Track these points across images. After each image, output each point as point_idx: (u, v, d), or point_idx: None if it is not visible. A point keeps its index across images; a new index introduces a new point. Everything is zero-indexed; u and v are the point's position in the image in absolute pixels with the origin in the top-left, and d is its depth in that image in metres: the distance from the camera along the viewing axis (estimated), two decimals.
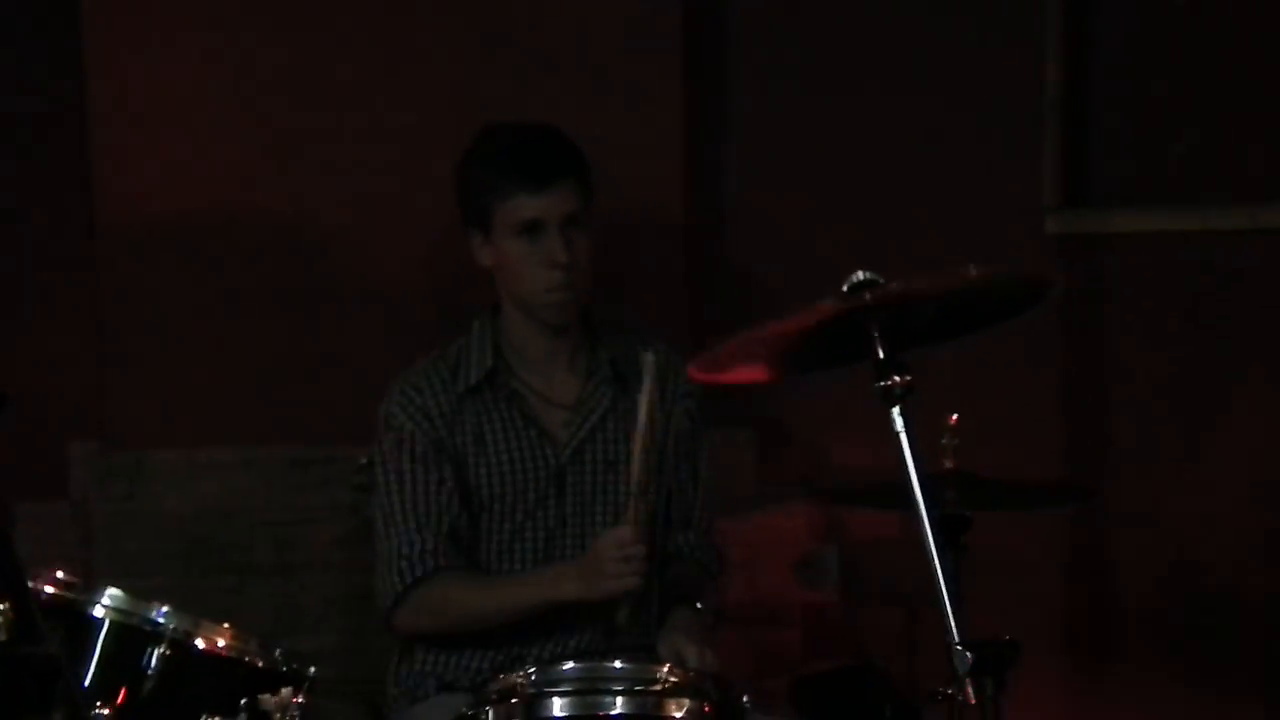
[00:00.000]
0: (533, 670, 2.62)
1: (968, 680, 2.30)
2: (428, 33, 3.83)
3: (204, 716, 2.66)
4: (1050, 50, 4.06)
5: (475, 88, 3.79)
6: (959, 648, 2.30)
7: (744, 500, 3.83)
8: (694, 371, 2.67)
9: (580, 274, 3.09)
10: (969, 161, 4.04)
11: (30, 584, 2.47)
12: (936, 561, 2.33)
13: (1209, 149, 4.05)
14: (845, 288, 2.46)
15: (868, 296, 2.41)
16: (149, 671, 2.62)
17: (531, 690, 2.58)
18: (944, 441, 3.12)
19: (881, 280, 2.45)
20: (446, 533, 3.07)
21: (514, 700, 2.58)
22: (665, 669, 2.60)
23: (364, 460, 3.26)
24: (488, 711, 2.60)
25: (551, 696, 2.57)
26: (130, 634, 2.65)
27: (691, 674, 2.61)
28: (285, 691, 2.67)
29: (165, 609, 2.68)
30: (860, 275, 2.46)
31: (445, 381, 3.12)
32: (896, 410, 2.40)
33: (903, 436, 2.39)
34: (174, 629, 2.67)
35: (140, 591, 2.74)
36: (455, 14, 3.84)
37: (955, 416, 3.12)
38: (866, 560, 3.93)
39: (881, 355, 2.44)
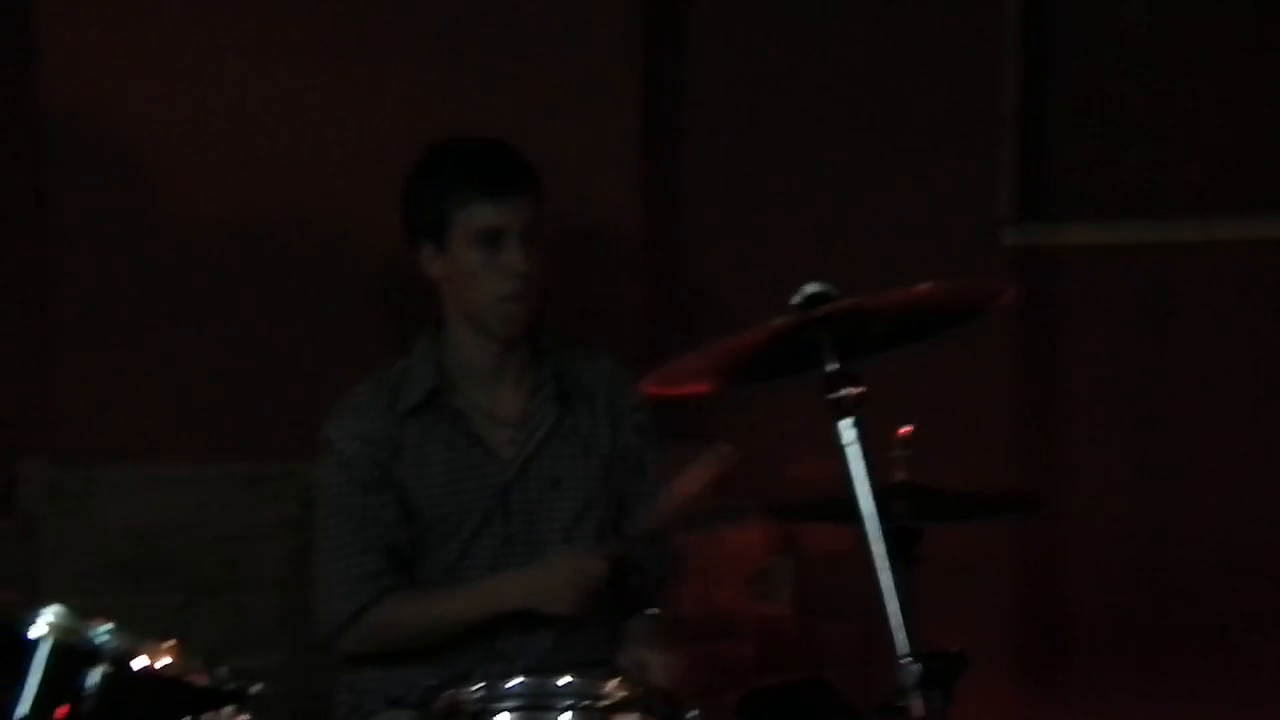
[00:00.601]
0: (480, 686, 2.60)
1: (916, 693, 2.30)
2: (387, 47, 3.80)
3: None
4: (1006, 64, 4.06)
5: (434, 103, 3.76)
6: (906, 660, 2.29)
7: (698, 515, 3.80)
8: (647, 387, 2.67)
9: (534, 286, 3.07)
10: (925, 175, 4.05)
11: None
12: (885, 574, 2.32)
13: (1162, 162, 4.06)
14: (797, 300, 2.45)
15: (822, 312, 2.40)
16: (88, 692, 2.58)
17: (478, 706, 2.56)
18: (896, 453, 3.11)
19: (832, 292, 2.44)
20: (388, 554, 3.05)
21: (461, 716, 2.56)
22: (613, 683, 2.59)
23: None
24: None
25: (498, 713, 2.56)
26: (70, 654, 2.60)
27: (640, 688, 2.60)
28: (227, 710, 2.63)
29: (106, 627, 2.64)
30: (812, 287, 2.45)
31: (387, 404, 3.09)
32: (846, 422, 2.39)
33: (852, 449, 2.38)
34: (114, 648, 2.62)
35: (88, 609, 2.69)
36: (413, 30, 3.81)
37: (907, 428, 3.11)
38: (821, 573, 3.92)
39: (833, 367, 2.43)
